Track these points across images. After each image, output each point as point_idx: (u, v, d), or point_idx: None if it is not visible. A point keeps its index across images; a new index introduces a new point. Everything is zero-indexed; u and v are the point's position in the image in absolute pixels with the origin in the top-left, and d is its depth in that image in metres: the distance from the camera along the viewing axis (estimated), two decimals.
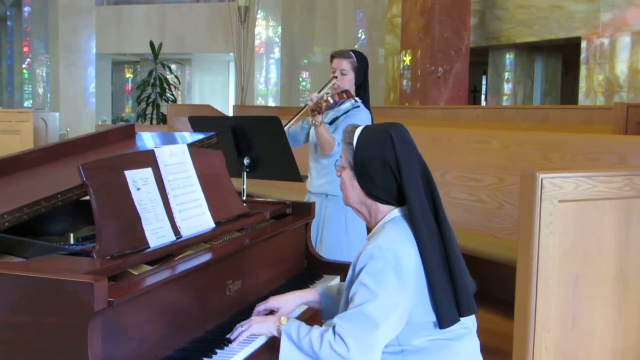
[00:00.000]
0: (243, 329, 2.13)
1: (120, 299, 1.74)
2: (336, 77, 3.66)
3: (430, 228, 1.99)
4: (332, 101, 3.51)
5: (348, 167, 2.10)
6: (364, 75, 3.74)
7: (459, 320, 2.00)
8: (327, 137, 3.51)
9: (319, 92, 3.58)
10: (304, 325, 2.04)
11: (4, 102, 19.65)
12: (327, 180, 3.68)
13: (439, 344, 2.03)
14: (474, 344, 2.13)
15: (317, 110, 3.45)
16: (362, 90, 3.73)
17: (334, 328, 1.95)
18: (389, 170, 2.01)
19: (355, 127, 2.13)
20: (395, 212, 2.07)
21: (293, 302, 2.33)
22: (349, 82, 3.69)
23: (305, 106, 3.65)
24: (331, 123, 3.61)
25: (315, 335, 1.97)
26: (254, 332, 2.12)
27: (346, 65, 3.66)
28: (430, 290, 1.97)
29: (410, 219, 2.00)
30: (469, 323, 2.10)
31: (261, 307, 2.28)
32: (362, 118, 3.57)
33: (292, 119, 3.73)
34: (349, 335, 1.92)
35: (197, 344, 2.07)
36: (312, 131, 3.71)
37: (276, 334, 2.08)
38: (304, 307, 2.48)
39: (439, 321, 1.98)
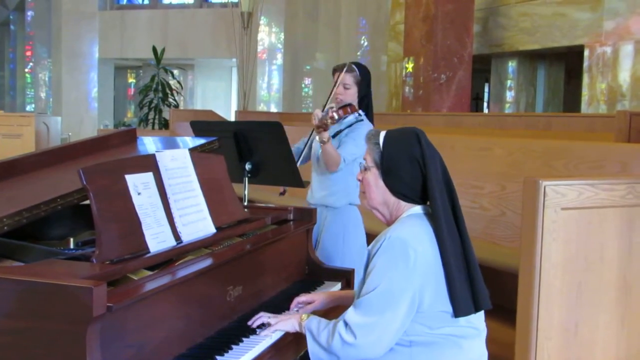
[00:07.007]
0: (270, 321, 2.25)
1: (119, 304, 1.73)
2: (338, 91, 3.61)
3: (449, 224, 2.06)
4: (336, 117, 3.36)
5: (373, 167, 2.16)
6: (367, 87, 3.67)
7: (474, 312, 2.04)
8: (333, 154, 3.42)
9: (323, 108, 3.49)
10: (323, 320, 2.14)
11: (6, 106, 19.67)
12: (327, 193, 3.64)
13: (448, 340, 2.05)
14: (482, 348, 2.15)
15: (322, 127, 3.34)
16: (365, 102, 3.66)
17: (344, 318, 2.03)
18: (415, 165, 2.09)
19: (379, 130, 2.21)
20: (417, 209, 2.14)
21: (326, 297, 2.51)
22: (351, 95, 3.61)
23: (312, 132, 3.59)
24: (333, 136, 3.55)
25: (330, 327, 2.07)
26: (279, 328, 2.23)
27: (349, 79, 3.58)
28: (447, 281, 2.01)
29: (432, 213, 2.07)
30: (478, 324, 2.12)
31: (295, 300, 2.48)
32: (365, 132, 3.50)
33: (304, 148, 3.68)
34: (356, 324, 2.00)
35: (196, 350, 2.06)
36: (316, 144, 3.66)
37: (299, 330, 2.19)
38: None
39: (454, 310, 2.01)
